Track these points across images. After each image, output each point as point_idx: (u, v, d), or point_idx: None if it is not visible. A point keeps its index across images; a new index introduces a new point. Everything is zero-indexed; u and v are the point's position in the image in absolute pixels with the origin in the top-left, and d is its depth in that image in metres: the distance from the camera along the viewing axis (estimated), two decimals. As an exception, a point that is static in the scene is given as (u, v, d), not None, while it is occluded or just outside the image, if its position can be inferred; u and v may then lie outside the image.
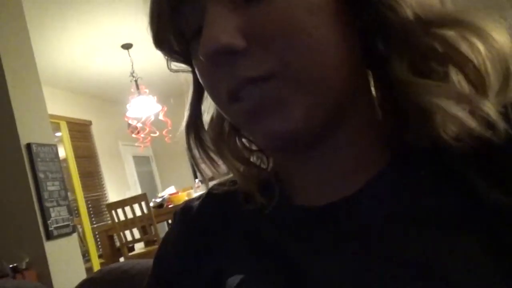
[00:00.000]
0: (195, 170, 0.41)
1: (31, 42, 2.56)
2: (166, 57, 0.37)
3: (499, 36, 0.27)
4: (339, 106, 0.31)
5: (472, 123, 0.27)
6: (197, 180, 4.36)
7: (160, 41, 0.34)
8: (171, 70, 0.39)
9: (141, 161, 6.07)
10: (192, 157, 0.40)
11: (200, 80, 0.34)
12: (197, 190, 4.01)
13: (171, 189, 4.20)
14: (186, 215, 0.44)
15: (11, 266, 2.09)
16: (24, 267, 2.13)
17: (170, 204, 3.77)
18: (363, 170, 0.33)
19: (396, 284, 0.28)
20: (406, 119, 0.31)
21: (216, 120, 0.40)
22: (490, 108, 0.27)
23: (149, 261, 0.68)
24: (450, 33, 0.27)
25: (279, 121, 0.30)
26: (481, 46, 0.27)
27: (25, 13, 2.57)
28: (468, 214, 0.28)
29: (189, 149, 0.40)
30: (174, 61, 0.37)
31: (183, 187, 4.27)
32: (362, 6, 0.29)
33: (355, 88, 0.32)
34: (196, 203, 0.44)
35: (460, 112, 0.27)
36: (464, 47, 0.27)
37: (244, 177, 0.38)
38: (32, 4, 2.91)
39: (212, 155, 0.40)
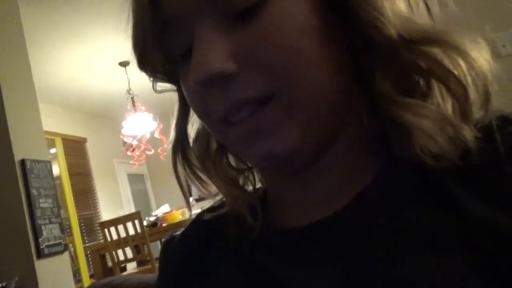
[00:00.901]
0: (182, 191, 0.40)
1: (29, 58, 2.58)
2: (150, 78, 0.36)
3: (478, 56, 0.28)
4: (333, 122, 0.32)
5: (447, 146, 0.28)
6: (191, 199, 4.33)
7: (145, 64, 0.34)
8: (156, 91, 0.39)
9: (135, 179, 6.02)
10: (177, 177, 0.40)
11: (189, 103, 0.34)
12: (193, 209, 3.97)
13: (165, 208, 4.15)
14: (167, 254, 0.44)
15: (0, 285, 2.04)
16: (13, 286, 2.09)
17: (164, 223, 3.73)
18: (350, 185, 0.33)
19: None
20: (389, 133, 0.32)
21: (202, 136, 0.40)
22: (468, 133, 0.28)
23: (140, 277, 0.67)
24: (433, 50, 0.28)
25: (277, 143, 0.30)
26: (461, 61, 0.28)
27: (23, 30, 2.60)
28: (453, 230, 0.28)
29: (175, 169, 0.40)
30: (159, 81, 0.37)
31: (177, 206, 4.23)
32: (348, 25, 0.30)
33: (346, 103, 0.32)
34: (179, 234, 0.43)
35: (438, 135, 0.28)
36: (446, 62, 0.28)
37: (232, 196, 0.38)
38: (30, 21, 2.94)
39: (200, 174, 0.39)
